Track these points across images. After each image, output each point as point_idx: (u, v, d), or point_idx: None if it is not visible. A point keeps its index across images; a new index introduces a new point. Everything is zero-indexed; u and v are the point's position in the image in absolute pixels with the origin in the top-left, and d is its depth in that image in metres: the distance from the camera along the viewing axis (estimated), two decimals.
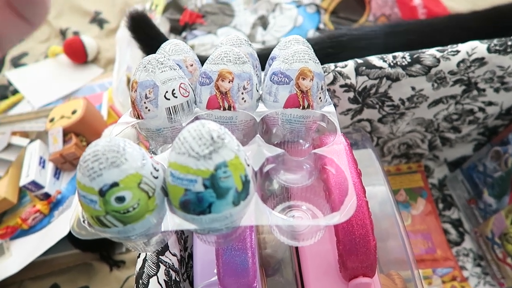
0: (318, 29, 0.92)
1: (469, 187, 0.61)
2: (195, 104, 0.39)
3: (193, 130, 0.25)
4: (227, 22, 0.99)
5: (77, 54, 0.95)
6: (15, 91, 0.92)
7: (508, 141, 0.55)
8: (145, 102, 0.37)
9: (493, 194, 0.56)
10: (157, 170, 0.28)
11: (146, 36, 0.61)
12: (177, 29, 0.95)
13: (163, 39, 0.56)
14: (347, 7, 0.95)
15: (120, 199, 0.25)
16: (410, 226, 0.59)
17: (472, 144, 0.63)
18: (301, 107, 0.37)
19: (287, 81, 0.37)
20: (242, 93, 0.37)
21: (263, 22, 0.97)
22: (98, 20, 1.09)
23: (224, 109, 0.37)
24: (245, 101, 0.37)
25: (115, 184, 0.25)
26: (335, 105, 0.51)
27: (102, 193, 0.25)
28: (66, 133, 0.71)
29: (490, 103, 0.53)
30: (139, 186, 0.26)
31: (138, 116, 0.37)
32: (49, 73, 0.96)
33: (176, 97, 0.38)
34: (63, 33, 1.07)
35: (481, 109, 0.54)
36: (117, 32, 0.99)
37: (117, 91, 0.83)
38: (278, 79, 0.37)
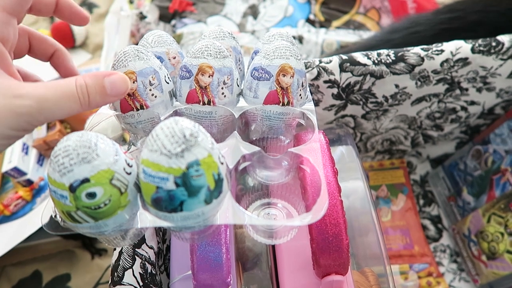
0: (308, 19, 0.91)
1: (449, 184, 0.62)
2: (175, 98, 0.39)
3: (166, 127, 0.25)
4: (217, 10, 0.97)
5: (65, 38, 0.94)
6: None
7: (489, 140, 0.56)
8: (150, 90, 0.36)
9: (472, 192, 0.57)
10: (131, 166, 0.28)
11: None
12: (167, 16, 0.94)
13: None
14: None
15: (91, 195, 0.25)
16: (390, 222, 0.60)
17: (455, 142, 0.63)
18: (280, 104, 0.37)
19: (268, 77, 0.36)
20: (222, 88, 0.37)
21: (254, 11, 0.96)
22: (87, 4, 1.08)
23: (204, 103, 0.37)
24: (225, 96, 0.37)
25: (86, 180, 0.25)
26: (319, 101, 0.51)
27: (72, 189, 0.25)
28: None
29: (472, 103, 0.53)
30: (111, 182, 0.26)
31: (141, 107, 0.37)
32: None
33: (170, 81, 0.39)
34: (51, 16, 1.05)
35: (464, 108, 0.54)
36: (106, 17, 0.98)
37: None
38: (258, 74, 0.37)
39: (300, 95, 0.38)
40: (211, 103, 0.37)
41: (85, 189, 0.25)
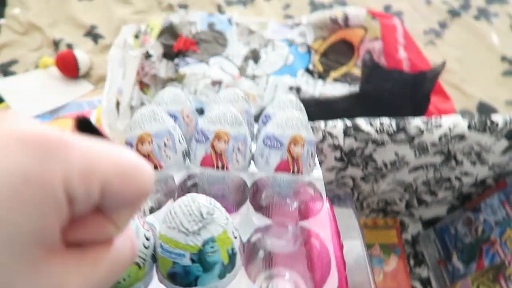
0: (307, 69, 0.94)
1: (440, 247, 0.63)
2: (188, 158, 0.40)
3: (184, 205, 0.26)
4: (219, 51, 1.00)
5: (69, 68, 0.95)
6: (1, 100, 0.91)
7: (480, 209, 0.58)
8: (165, 151, 0.37)
9: (462, 258, 0.58)
10: (148, 239, 0.29)
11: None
12: (170, 54, 0.96)
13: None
14: (337, 50, 0.98)
15: None
16: (382, 283, 0.61)
17: (447, 206, 0.65)
18: (291, 172, 0.38)
19: (279, 146, 0.38)
20: (236, 154, 0.38)
21: (255, 55, 0.99)
22: (93, 35, 1.09)
23: (218, 168, 0.38)
24: (238, 162, 0.38)
25: None
26: (322, 162, 0.53)
27: None
28: None
29: (466, 174, 0.56)
30: None
31: (155, 167, 0.38)
32: (38, 85, 0.95)
33: (183, 141, 0.40)
34: (56, 44, 1.06)
35: (457, 178, 0.56)
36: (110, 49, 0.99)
37: (106, 112, 0.83)
38: (270, 143, 0.38)
39: (309, 164, 0.39)
40: (225, 168, 0.38)
41: None
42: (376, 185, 0.58)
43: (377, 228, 0.66)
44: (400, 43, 0.88)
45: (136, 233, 0.27)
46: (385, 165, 0.53)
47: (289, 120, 0.39)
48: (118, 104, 0.84)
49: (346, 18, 0.94)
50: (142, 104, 0.83)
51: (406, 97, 0.69)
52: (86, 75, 0.99)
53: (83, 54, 0.98)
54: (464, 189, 0.60)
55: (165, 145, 0.38)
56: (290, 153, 0.38)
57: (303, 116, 0.43)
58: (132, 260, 0.20)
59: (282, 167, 0.38)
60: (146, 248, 0.27)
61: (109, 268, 0.18)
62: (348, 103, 0.71)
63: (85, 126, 0.65)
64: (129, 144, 0.38)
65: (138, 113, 0.38)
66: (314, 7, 1.09)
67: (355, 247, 0.51)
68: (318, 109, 0.69)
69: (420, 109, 0.71)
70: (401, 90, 0.69)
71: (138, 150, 0.37)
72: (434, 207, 0.65)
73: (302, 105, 0.46)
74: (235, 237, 0.29)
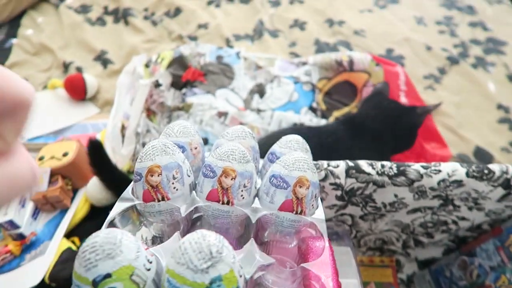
0: (311, 107, 0.97)
1: None
2: (195, 191, 0.41)
3: (194, 242, 0.27)
4: (226, 83, 1.02)
5: (77, 91, 0.97)
6: None
7: (475, 254, 0.59)
8: (173, 183, 0.39)
9: None
10: (150, 262, 0.29)
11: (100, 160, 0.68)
12: (178, 84, 0.98)
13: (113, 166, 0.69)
14: (340, 91, 1.00)
15: None
16: None
17: (442, 248, 0.66)
18: (294, 212, 0.40)
19: (285, 186, 0.39)
20: (242, 190, 0.39)
21: (261, 90, 1.01)
22: (103, 59, 1.12)
23: (223, 203, 0.39)
24: (243, 198, 0.40)
25: (108, 276, 0.27)
26: (322, 199, 0.54)
27: (95, 284, 0.26)
28: (53, 174, 0.71)
29: (463, 218, 0.57)
30: (131, 278, 0.27)
31: (162, 198, 0.39)
32: (45, 105, 0.96)
33: (191, 174, 0.41)
34: (66, 66, 1.09)
35: (454, 222, 0.58)
36: (119, 75, 1.01)
37: (111, 136, 0.84)
38: (277, 182, 0.40)
39: (312, 205, 0.41)
40: (230, 204, 0.39)
41: (106, 284, 0.27)
42: (374, 224, 0.59)
43: (373, 266, 0.67)
44: (401, 89, 0.91)
45: (138, 253, 0.28)
46: (384, 205, 0.55)
47: (296, 162, 0.40)
48: (123, 128, 0.85)
49: (351, 62, 0.97)
50: (148, 131, 0.84)
51: (387, 126, 0.72)
52: (93, 98, 1.01)
53: (91, 78, 1.00)
54: (460, 233, 0.61)
55: (173, 177, 0.39)
56: (295, 194, 0.39)
57: (309, 157, 0.44)
58: (32, 180, 0.22)
59: (286, 206, 0.40)
60: (147, 270, 0.28)
61: (7, 180, 0.21)
62: (334, 127, 0.74)
63: (96, 147, 0.67)
64: (138, 174, 0.39)
65: (150, 145, 0.40)
66: (319, 46, 1.13)
67: (352, 285, 0.51)
68: (308, 131, 0.71)
69: (405, 141, 0.75)
70: (384, 118, 0.73)
71: (147, 181, 0.39)
72: (430, 248, 0.66)
73: (308, 147, 0.48)
74: (240, 276, 0.29)
